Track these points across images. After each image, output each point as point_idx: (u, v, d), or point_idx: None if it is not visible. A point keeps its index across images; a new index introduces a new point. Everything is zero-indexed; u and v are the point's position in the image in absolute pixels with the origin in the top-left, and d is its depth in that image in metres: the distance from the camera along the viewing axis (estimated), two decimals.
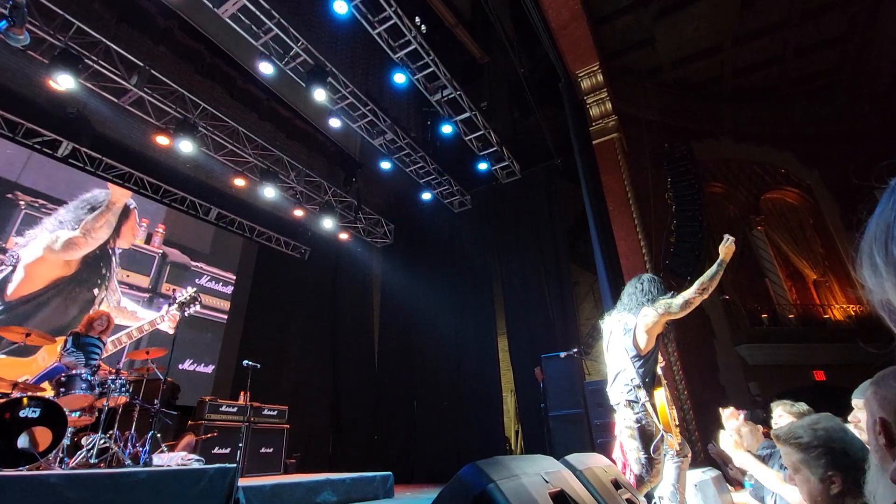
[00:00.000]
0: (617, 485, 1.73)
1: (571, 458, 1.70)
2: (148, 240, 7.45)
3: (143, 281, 7.26)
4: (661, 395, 2.58)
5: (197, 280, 7.86)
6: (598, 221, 6.86)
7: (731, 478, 3.78)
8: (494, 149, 8.08)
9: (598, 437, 5.21)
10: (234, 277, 8.48)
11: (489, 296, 8.62)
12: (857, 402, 1.83)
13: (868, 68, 8.69)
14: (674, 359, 5.87)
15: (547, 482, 1.25)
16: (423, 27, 6.55)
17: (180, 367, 7.25)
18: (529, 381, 6.93)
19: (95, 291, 6.47)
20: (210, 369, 7.68)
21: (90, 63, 5.56)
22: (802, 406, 2.45)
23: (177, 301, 5.31)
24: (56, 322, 5.90)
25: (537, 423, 6.56)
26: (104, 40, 5.61)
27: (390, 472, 4.84)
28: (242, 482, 3.42)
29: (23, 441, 3.34)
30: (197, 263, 7.98)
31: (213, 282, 8.17)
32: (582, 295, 10.36)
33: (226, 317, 8.18)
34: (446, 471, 7.56)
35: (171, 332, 5.84)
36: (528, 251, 8.16)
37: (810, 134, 9.33)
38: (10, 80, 5.89)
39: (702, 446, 5.30)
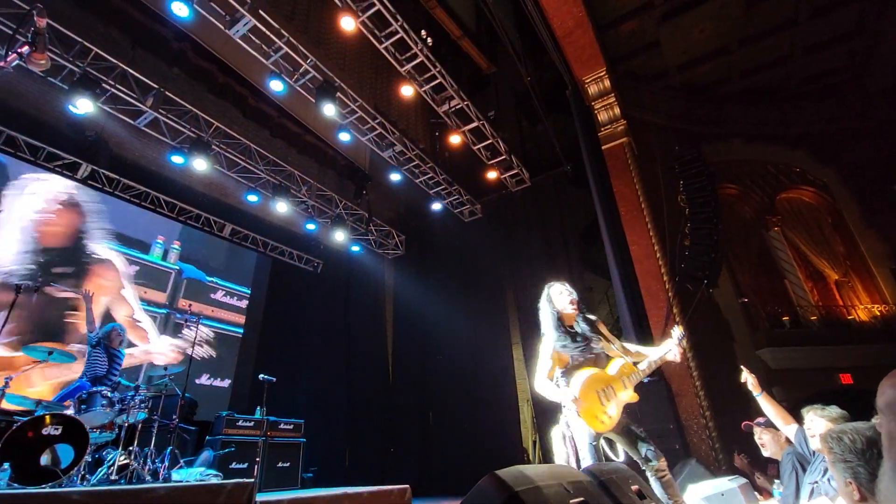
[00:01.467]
0: (641, 495, 1.69)
1: (593, 467, 1.66)
2: (164, 256, 7.59)
3: (160, 297, 7.39)
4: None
5: (212, 295, 7.96)
6: (610, 227, 6.81)
7: (760, 486, 3.67)
8: (503, 157, 8.10)
9: None
10: (249, 292, 8.58)
11: (502, 304, 8.57)
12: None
13: (878, 63, 8.56)
14: (693, 365, 5.75)
15: (569, 492, 1.23)
16: (430, 40, 6.64)
17: (197, 381, 7.33)
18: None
19: None
20: (227, 383, 7.74)
21: (108, 87, 5.73)
22: (834, 410, 2.38)
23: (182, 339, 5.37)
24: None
25: None
26: (121, 65, 5.78)
27: (408, 486, 4.79)
28: (260, 497, 3.42)
29: (45, 459, 3.39)
30: (212, 279, 8.10)
31: (228, 296, 8.27)
32: (596, 301, 10.25)
33: (241, 331, 8.26)
34: (464, 483, 7.44)
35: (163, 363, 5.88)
36: (540, 259, 8.12)
37: (822, 132, 9.19)
38: (31, 106, 6.09)
39: (725, 454, 5.16)
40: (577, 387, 2.64)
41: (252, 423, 5.70)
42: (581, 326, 2.95)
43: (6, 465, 3.15)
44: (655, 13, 7.95)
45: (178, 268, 7.71)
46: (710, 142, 9.01)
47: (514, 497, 1.01)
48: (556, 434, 3.07)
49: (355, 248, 9.59)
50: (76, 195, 6.75)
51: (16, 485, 3.11)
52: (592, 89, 7.45)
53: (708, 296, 6.74)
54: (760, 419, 3.15)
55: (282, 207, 7.76)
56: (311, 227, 8.81)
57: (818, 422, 2.40)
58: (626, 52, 8.68)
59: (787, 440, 2.87)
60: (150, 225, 7.56)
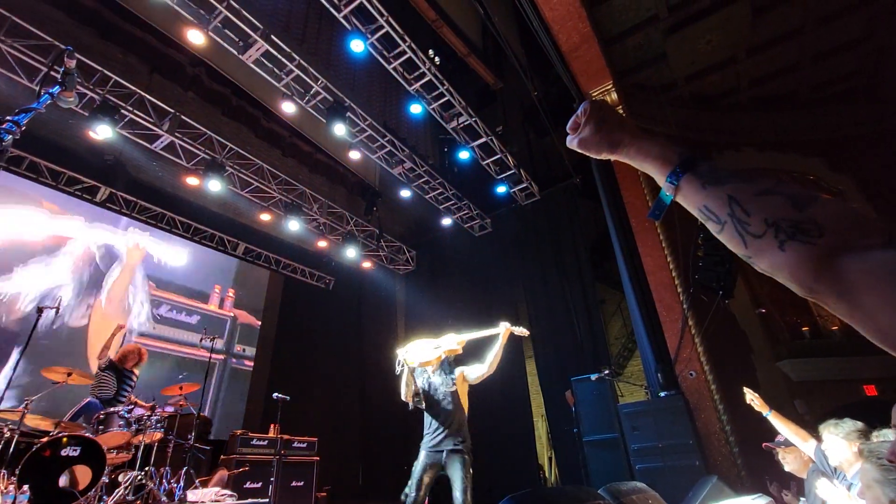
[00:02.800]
0: None
1: (611, 487, 1.63)
2: (221, 304, 7.99)
3: (219, 343, 7.85)
4: None
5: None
6: (621, 238, 6.77)
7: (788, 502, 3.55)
8: (512, 171, 8.13)
9: (636, 462, 5.00)
10: (259, 323, 8.78)
11: (514, 318, 8.50)
12: None
13: (889, 69, 8.47)
14: (710, 378, 5.64)
15: None
16: (437, 59, 6.75)
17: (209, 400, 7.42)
18: (560, 406, 6.75)
19: None
20: (241, 407, 7.83)
21: (126, 112, 5.91)
22: (847, 424, 2.31)
23: None
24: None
25: (571, 448, 6.35)
26: (139, 91, 5.97)
27: None
28: None
29: (64, 480, 3.42)
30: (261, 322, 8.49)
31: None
32: (609, 314, 10.15)
33: (248, 364, 8.42)
34: (480, 501, 7.34)
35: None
36: (552, 272, 8.08)
37: (836, 139, 9.08)
38: (53, 132, 6.30)
39: (747, 471, 5.02)
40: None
41: (266, 442, 5.70)
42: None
43: (25, 488, 3.19)
44: (661, 26, 8.00)
45: (233, 314, 8.16)
46: (722, 151, 8.96)
47: None
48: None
49: (366, 265, 9.64)
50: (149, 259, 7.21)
51: None
52: None
53: (724, 307, 6.63)
54: (780, 438, 3.07)
55: (294, 225, 7.86)
56: (322, 244, 8.90)
57: (833, 440, 2.34)
58: (632, 65, 8.71)
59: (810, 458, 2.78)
60: (209, 276, 8.19)
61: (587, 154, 0.85)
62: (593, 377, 5.79)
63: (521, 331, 3.76)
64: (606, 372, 5.85)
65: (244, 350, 8.18)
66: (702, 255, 7.25)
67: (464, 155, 7.90)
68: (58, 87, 1.09)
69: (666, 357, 5.91)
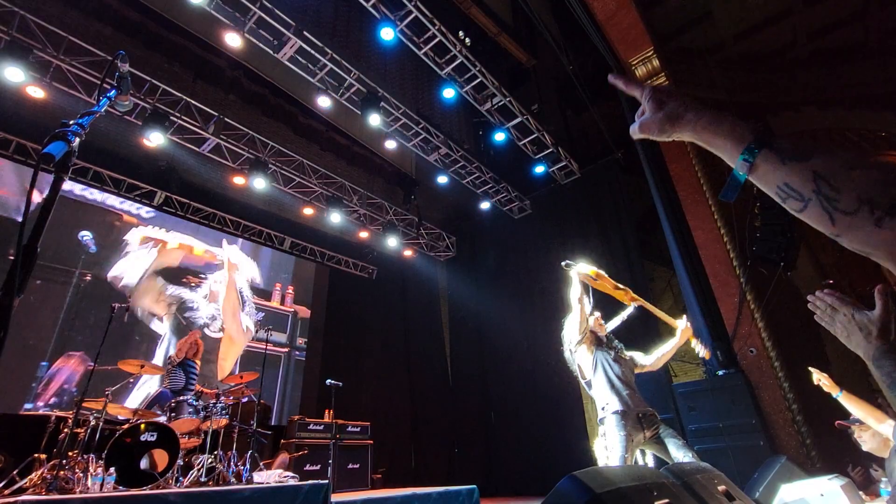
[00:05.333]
0: (730, 496, 1.59)
1: (674, 467, 1.58)
2: (282, 301, 8.55)
3: (282, 337, 8.35)
4: None
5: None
6: (669, 213, 6.47)
7: (876, 479, 3.33)
8: (550, 150, 7.92)
9: (695, 442, 4.83)
10: (309, 314, 9.12)
11: (559, 301, 8.37)
12: None
13: None
14: (773, 355, 5.33)
15: (653, 493, 1.17)
16: (467, 40, 6.63)
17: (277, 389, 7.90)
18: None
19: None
20: (287, 404, 8.24)
21: (174, 119, 6.21)
22: None
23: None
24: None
25: None
26: (185, 97, 6.25)
27: (475, 486, 4.79)
28: (334, 497, 3.55)
29: (144, 463, 3.71)
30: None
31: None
32: (659, 291, 9.79)
33: (301, 353, 8.78)
34: (531, 483, 7.37)
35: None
36: (596, 251, 7.85)
37: None
38: (112, 143, 6.72)
39: (818, 451, 4.73)
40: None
41: (322, 427, 5.95)
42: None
43: (112, 470, 3.49)
44: None
45: (293, 310, 8.70)
46: (778, 113, 8.31)
47: (597, 499, 0.97)
48: (598, 446, 3.06)
49: (407, 253, 9.75)
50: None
51: (121, 487, 3.43)
52: (640, 71, 7.12)
53: (786, 279, 6.22)
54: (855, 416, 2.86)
55: (335, 218, 8.04)
56: (364, 235, 9.08)
57: None
58: (675, 28, 8.20)
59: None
60: (270, 274, 8.69)
61: (652, 138, 0.81)
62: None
63: (700, 349, 3.23)
64: None
65: (305, 343, 8.67)
66: (759, 226, 6.82)
67: (499, 136, 7.77)
68: (114, 91, 1.16)
69: (723, 334, 5.63)
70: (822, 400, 3.01)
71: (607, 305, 3.33)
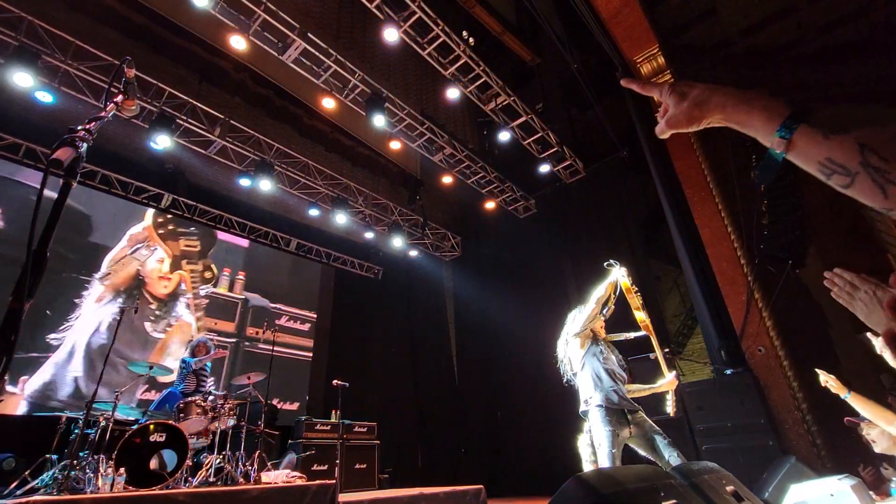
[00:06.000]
0: (738, 496, 1.58)
1: (682, 467, 1.57)
2: (231, 287, 8.12)
3: (230, 326, 7.87)
4: None
5: (277, 321, 8.35)
6: (675, 211, 6.44)
7: (887, 478, 3.29)
8: (555, 149, 7.90)
9: (702, 442, 4.80)
10: (315, 315, 8.98)
11: (564, 300, 8.35)
12: None
13: None
14: (782, 354, 5.28)
15: (660, 494, 1.17)
16: (471, 40, 6.63)
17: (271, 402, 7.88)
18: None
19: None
20: (296, 406, 8.09)
21: (181, 122, 6.25)
22: None
23: None
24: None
25: None
26: (190, 100, 6.29)
27: (482, 486, 4.80)
28: (342, 497, 3.56)
29: (154, 463, 3.75)
30: (276, 305, 8.56)
31: (293, 321, 8.69)
32: (666, 290, 9.75)
33: (308, 354, 8.65)
34: (538, 483, 7.36)
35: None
36: (601, 250, 7.80)
37: None
38: (118, 146, 6.78)
39: (828, 451, 4.68)
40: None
41: (329, 427, 5.97)
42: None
43: (122, 470, 3.52)
44: None
45: (243, 297, 8.18)
46: None
47: (603, 500, 0.97)
48: (581, 443, 3.07)
49: (413, 254, 9.76)
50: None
51: (131, 487, 3.46)
52: (646, 68, 7.08)
53: (795, 277, 6.17)
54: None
55: (341, 219, 8.07)
56: (369, 235, 9.10)
57: None
58: (680, 24, 8.13)
59: None
60: (216, 257, 8.09)
61: (681, 131, 0.79)
62: (651, 356, 5.59)
63: (670, 406, 3.19)
64: (666, 350, 5.63)
65: (256, 333, 8.10)
66: (767, 224, 6.77)
67: (504, 136, 7.77)
68: (120, 95, 1.17)
69: (731, 333, 5.59)
70: (832, 399, 2.98)
71: (619, 321, 3.34)
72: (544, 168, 8.29)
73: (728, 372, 5.24)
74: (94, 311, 6.30)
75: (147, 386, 6.39)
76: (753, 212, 6.89)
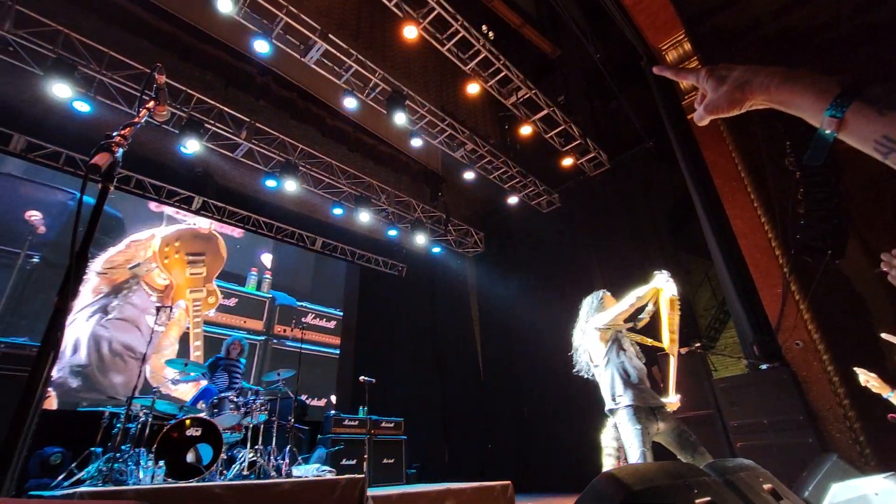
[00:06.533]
0: (777, 495, 1.52)
1: (716, 464, 1.53)
2: (258, 286, 8.37)
3: (258, 325, 8.13)
4: None
5: (303, 318, 8.54)
6: (705, 202, 6.25)
7: None
8: (578, 142, 7.78)
9: (736, 439, 4.66)
10: (341, 313, 9.11)
11: (587, 294, 8.22)
12: None
13: None
14: (822, 348, 5.07)
15: (694, 491, 1.14)
16: (491, 34, 6.58)
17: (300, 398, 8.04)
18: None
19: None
20: (323, 402, 8.24)
21: (209, 126, 6.44)
22: None
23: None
24: None
25: None
26: (217, 105, 6.47)
27: (510, 482, 4.79)
28: (370, 491, 3.62)
29: (190, 456, 3.89)
30: (302, 303, 8.75)
31: (319, 318, 8.87)
32: (696, 284, 9.49)
33: (335, 351, 8.78)
34: (566, 480, 7.29)
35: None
36: (627, 243, 7.66)
37: None
38: (151, 152, 7.03)
39: (872, 448, 4.48)
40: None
41: (357, 423, 6.07)
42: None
43: (161, 463, 3.67)
44: None
45: (271, 296, 8.38)
46: None
47: (633, 496, 0.96)
48: (606, 437, 2.99)
49: (436, 250, 9.79)
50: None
51: (170, 479, 3.60)
52: (671, 55, 6.88)
53: (834, 268, 5.90)
54: None
55: (364, 217, 8.16)
56: (392, 233, 9.17)
57: None
58: (707, 8, 7.85)
59: None
60: (243, 258, 8.32)
61: (723, 115, 0.76)
62: (682, 351, 5.45)
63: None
64: (697, 345, 5.49)
65: (283, 331, 8.42)
66: (803, 212, 6.48)
67: (525, 130, 7.68)
68: (152, 101, 1.22)
69: (765, 327, 5.40)
70: (876, 395, 2.85)
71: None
72: (567, 161, 8.17)
73: (763, 367, 5.06)
74: (94, 302, 6.40)
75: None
76: (789, 200, 6.61)
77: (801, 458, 4.07)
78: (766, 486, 1.58)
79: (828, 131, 0.61)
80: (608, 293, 3.29)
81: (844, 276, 6.57)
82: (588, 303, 3.28)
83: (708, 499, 1.18)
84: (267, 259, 8.59)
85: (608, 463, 2.88)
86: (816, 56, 8.42)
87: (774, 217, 6.02)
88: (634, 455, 2.52)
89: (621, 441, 2.71)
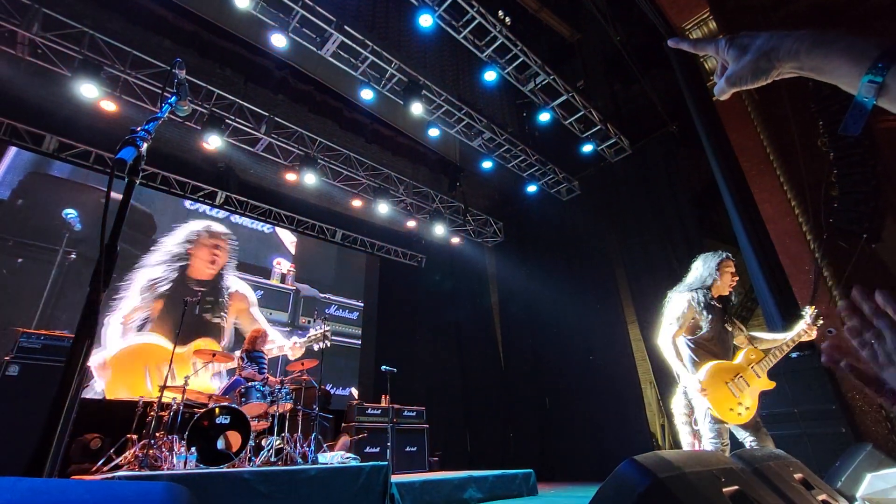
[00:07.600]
0: (808, 485, 1.48)
1: (743, 452, 1.50)
2: (282, 280, 8.54)
3: (283, 316, 8.32)
4: None
5: (326, 310, 8.69)
6: (731, 186, 6.05)
7: None
8: (598, 127, 7.61)
9: (767, 429, 4.55)
10: (363, 304, 9.22)
11: (612, 283, 8.11)
12: None
13: None
14: None
15: (720, 480, 1.12)
16: (508, 19, 6.46)
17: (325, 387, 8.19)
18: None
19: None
20: (347, 392, 8.39)
21: (230, 122, 6.54)
22: None
23: (306, 336, 5.99)
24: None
25: None
26: (238, 100, 6.56)
27: (531, 470, 4.80)
28: (394, 478, 3.68)
29: (220, 444, 4.02)
30: (325, 294, 8.89)
31: (341, 310, 9.00)
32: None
33: (357, 342, 8.90)
34: (588, 469, 7.27)
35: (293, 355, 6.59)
36: (650, 230, 7.50)
37: None
38: (175, 149, 7.20)
39: None
40: (703, 376, 2.49)
41: (380, 411, 6.16)
42: (721, 306, 2.98)
43: (193, 449, 3.80)
44: None
45: (295, 288, 8.58)
46: None
47: (659, 484, 0.94)
48: (676, 404, 2.92)
49: (455, 240, 9.79)
50: (221, 236, 7.76)
51: (201, 465, 3.73)
52: (696, 35, 6.63)
53: (871, 253, 5.66)
54: None
55: (383, 208, 8.20)
56: (411, 224, 9.20)
57: None
58: None
59: None
60: (267, 252, 8.50)
61: (746, 87, 0.70)
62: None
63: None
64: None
65: (307, 322, 8.52)
66: (837, 195, 6.22)
67: (544, 117, 7.56)
68: (174, 97, 1.24)
69: (795, 314, 5.23)
70: None
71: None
72: (587, 148, 8.02)
73: (794, 356, 4.91)
74: (144, 301, 6.61)
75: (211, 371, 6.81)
76: (821, 183, 6.36)
77: (834, 449, 3.96)
78: (797, 476, 1.54)
79: (867, 98, 0.57)
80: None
81: (881, 260, 6.30)
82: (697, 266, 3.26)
83: (736, 488, 1.16)
84: (290, 250, 8.74)
85: (683, 430, 2.84)
86: (850, 28, 7.95)
87: (805, 201, 5.80)
88: (704, 422, 2.53)
89: (693, 405, 2.67)
